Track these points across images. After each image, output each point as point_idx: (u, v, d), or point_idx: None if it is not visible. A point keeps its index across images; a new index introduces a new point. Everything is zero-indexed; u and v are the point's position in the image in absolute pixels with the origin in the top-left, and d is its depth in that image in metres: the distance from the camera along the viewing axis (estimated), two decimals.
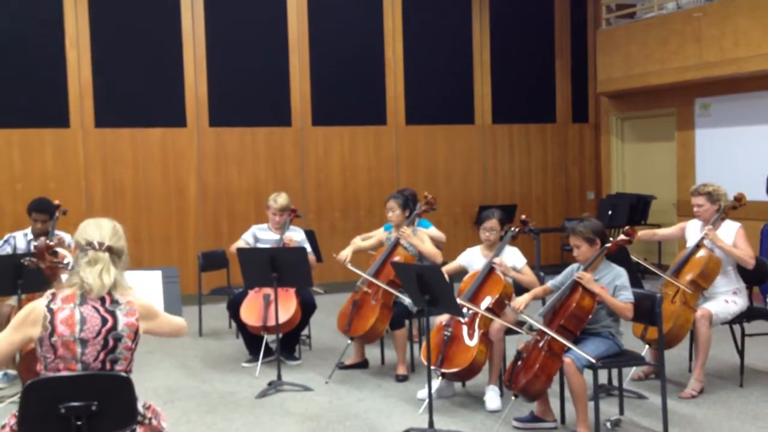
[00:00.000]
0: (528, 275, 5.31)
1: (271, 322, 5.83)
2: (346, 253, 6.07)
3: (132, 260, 8.99)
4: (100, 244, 2.92)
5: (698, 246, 5.41)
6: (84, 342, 2.84)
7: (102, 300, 2.89)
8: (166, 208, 9.13)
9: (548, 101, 10.94)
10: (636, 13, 10.35)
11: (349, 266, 5.97)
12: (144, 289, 3.28)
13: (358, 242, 6.32)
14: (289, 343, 6.33)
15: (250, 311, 6.09)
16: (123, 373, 2.90)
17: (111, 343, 2.88)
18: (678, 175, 9.94)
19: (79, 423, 2.79)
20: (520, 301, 4.77)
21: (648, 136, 10.70)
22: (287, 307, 6.02)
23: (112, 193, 8.93)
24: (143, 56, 8.97)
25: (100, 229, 2.97)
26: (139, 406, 2.95)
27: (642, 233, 5.82)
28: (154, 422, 2.99)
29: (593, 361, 4.31)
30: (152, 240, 9.04)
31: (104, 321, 2.87)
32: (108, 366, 2.88)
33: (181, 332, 3.19)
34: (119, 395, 2.87)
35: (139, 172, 9.03)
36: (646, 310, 4.64)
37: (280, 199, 6.35)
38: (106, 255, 2.93)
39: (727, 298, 5.35)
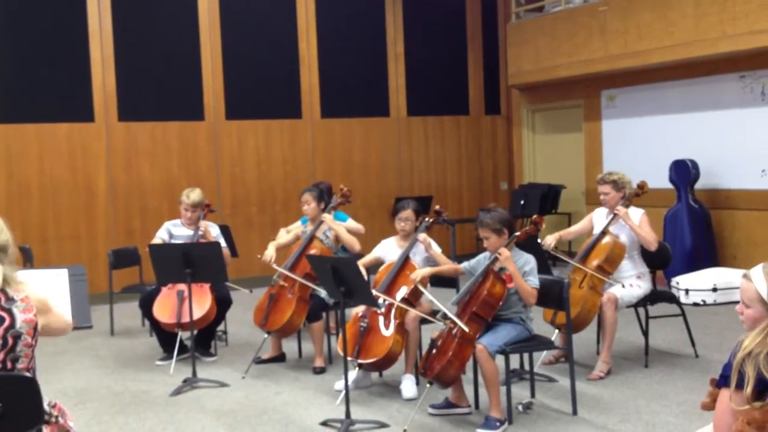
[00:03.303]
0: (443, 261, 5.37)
1: (186, 319, 5.73)
2: (270, 253, 6.02)
3: (39, 259, 8.64)
4: None
5: (604, 233, 5.60)
6: None
7: None
8: (74, 205, 8.87)
9: (461, 94, 11.10)
10: (544, 7, 10.59)
11: (275, 266, 5.93)
12: (50, 289, 3.19)
13: (282, 236, 6.29)
14: (204, 339, 6.25)
15: (164, 308, 5.98)
16: (27, 374, 2.82)
17: (10, 341, 2.79)
18: (586, 165, 10.24)
19: None
20: (418, 272, 4.88)
21: (558, 127, 10.99)
22: (202, 303, 5.94)
23: (17, 191, 8.62)
24: (48, 49, 8.68)
25: None
26: (45, 405, 2.88)
27: (561, 235, 5.81)
28: (61, 420, 2.93)
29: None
30: (60, 238, 8.77)
31: (1, 320, 2.78)
32: (9, 365, 2.80)
33: (65, 331, 3.06)
34: (25, 396, 2.79)
35: (45, 169, 8.75)
36: (555, 296, 4.77)
37: (193, 195, 6.27)
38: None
39: (631, 282, 5.55)
